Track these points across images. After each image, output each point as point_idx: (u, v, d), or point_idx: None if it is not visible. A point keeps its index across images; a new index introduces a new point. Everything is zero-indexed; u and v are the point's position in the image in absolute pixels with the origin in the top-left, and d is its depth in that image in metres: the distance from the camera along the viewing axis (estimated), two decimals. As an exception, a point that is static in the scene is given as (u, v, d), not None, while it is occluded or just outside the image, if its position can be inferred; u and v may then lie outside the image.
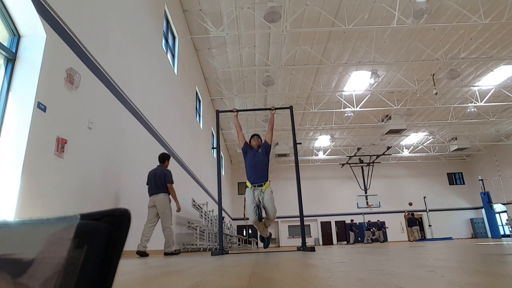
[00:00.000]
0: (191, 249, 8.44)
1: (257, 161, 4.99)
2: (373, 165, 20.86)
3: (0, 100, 3.03)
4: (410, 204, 18.85)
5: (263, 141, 5.16)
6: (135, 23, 5.90)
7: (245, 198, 5.04)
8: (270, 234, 5.29)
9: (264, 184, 4.86)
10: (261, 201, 4.79)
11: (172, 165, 7.98)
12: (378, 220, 20.67)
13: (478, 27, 10.63)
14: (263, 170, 4.97)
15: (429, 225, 19.13)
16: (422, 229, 22.14)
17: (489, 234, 18.47)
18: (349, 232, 20.43)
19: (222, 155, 18.60)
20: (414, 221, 17.81)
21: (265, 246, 5.30)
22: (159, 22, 7.40)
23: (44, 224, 0.32)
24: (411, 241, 16.74)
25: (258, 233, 5.28)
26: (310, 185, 23.47)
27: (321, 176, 24.80)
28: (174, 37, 9.13)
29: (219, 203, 5.88)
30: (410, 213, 18.64)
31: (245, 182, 5.02)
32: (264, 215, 4.83)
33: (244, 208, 4.99)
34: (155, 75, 6.94)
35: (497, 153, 20.93)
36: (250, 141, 5.14)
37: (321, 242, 23.43)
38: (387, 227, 21.94)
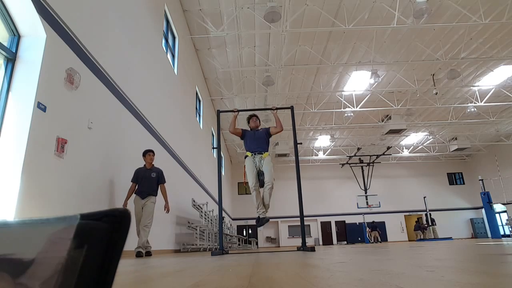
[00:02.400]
0: (191, 249, 8.44)
1: (257, 137, 5.11)
2: (373, 165, 20.85)
3: (0, 100, 3.03)
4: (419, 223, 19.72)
5: (262, 127, 5.31)
6: (135, 23, 5.90)
7: (244, 166, 5.08)
8: (267, 218, 5.17)
9: (264, 153, 4.95)
10: (260, 167, 4.87)
11: (172, 165, 7.98)
12: (373, 221, 20.74)
13: (478, 27, 10.63)
14: (263, 142, 5.09)
15: (429, 225, 19.13)
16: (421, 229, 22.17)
17: (489, 234, 18.47)
18: (369, 232, 20.37)
19: (222, 155, 18.60)
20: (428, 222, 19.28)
21: (258, 225, 5.24)
22: (159, 22, 7.40)
23: (44, 224, 0.32)
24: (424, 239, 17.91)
25: (256, 205, 5.11)
26: (310, 185, 23.46)
27: (321, 176, 24.80)
28: (174, 37, 9.13)
29: (219, 203, 5.88)
30: (419, 218, 20.18)
31: (245, 155, 5.09)
32: (264, 182, 4.90)
33: (245, 176, 5.05)
34: (155, 75, 6.94)
35: (497, 153, 20.92)
36: (248, 123, 5.25)
37: (321, 242, 23.43)
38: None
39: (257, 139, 5.12)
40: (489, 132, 19.29)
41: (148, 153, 5.22)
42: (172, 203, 7.74)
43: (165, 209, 5.27)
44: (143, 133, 5.99)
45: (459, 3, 9.54)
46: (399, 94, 14.91)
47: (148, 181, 5.08)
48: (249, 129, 5.43)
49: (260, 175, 4.88)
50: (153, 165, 5.21)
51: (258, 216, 5.13)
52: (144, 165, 5.20)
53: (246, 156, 5.12)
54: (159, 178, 5.21)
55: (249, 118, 5.35)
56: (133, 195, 5.01)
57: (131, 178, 5.45)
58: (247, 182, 4.99)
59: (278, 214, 22.55)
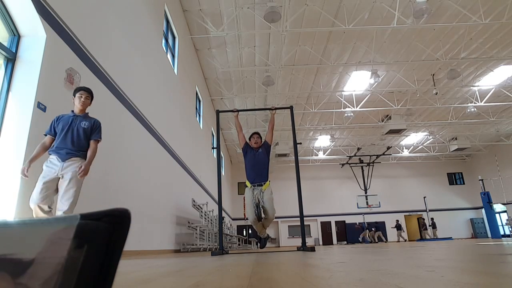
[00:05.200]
0: (191, 249, 8.44)
1: (257, 161, 4.99)
2: (373, 165, 20.86)
3: (0, 100, 3.03)
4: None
5: (263, 141, 5.16)
6: (135, 23, 5.90)
7: (244, 197, 5.04)
8: (268, 236, 5.29)
9: (264, 183, 4.86)
10: (260, 201, 4.79)
11: (172, 165, 7.98)
12: (376, 222, 20.82)
13: (478, 27, 10.63)
14: (263, 169, 4.97)
15: (429, 225, 19.15)
16: (422, 229, 22.19)
17: (489, 234, 18.48)
18: (371, 233, 20.46)
19: (222, 155, 18.60)
20: (400, 226, 20.05)
21: (262, 246, 5.30)
22: (159, 22, 7.40)
23: (44, 224, 0.32)
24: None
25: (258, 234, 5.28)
26: (310, 185, 23.45)
27: (321, 176, 24.79)
28: (174, 37, 9.13)
29: (219, 203, 5.88)
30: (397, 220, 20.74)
31: (245, 182, 5.02)
32: (263, 215, 4.83)
33: (244, 207, 5.00)
34: (155, 75, 6.94)
35: (497, 153, 20.91)
36: (250, 140, 5.14)
37: (321, 242, 23.42)
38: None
39: (257, 165, 4.95)
40: (489, 132, 19.29)
41: (79, 92, 3.09)
42: (172, 203, 7.76)
43: (79, 172, 2.92)
44: (143, 133, 5.98)
45: (459, 3, 9.54)
46: (399, 94, 14.90)
47: (73, 134, 3.01)
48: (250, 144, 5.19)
49: (259, 207, 4.83)
50: (87, 113, 3.19)
51: (260, 237, 5.17)
52: (72, 111, 3.11)
53: (246, 186, 5.03)
54: (92, 132, 3.13)
55: (251, 136, 5.22)
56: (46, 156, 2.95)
57: (130, 177, 5.41)
58: (247, 218, 4.97)
59: (278, 214, 22.47)
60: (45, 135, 2.95)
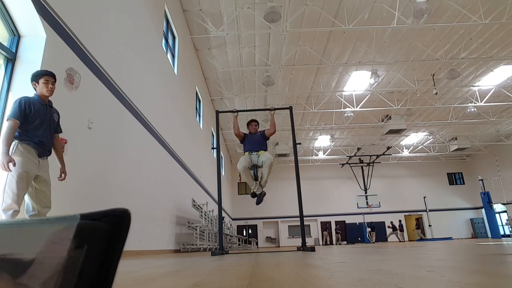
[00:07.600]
0: (191, 249, 8.44)
1: (255, 140, 5.17)
2: (373, 165, 20.84)
3: (0, 100, 3.03)
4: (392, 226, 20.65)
5: (259, 129, 5.39)
6: (135, 23, 5.90)
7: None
8: (264, 193, 5.22)
9: (261, 151, 5.02)
10: (258, 162, 4.91)
11: (172, 165, 7.98)
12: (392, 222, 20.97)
13: (478, 27, 10.63)
14: (260, 144, 5.15)
15: (429, 225, 19.14)
16: (422, 229, 22.21)
17: (489, 234, 18.47)
18: (370, 232, 20.58)
19: (222, 155, 18.59)
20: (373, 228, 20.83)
21: (257, 203, 5.21)
22: (159, 22, 7.40)
23: (44, 224, 0.32)
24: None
25: (251, 190, 5.17)
26: (310, 185, 23.44)
27: (321, 176, 24.78)
28: (174, 37, 9.13)
29: (219, 203, 5.88)
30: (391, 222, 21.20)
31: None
32: (260, 174, 4.94)
33: (240, 176, 5.06)
34: (155, 75, 6.94)
35: (497, 153, 20.91)
36: (247, 126, 5.34)
37: (321, 242, 23.42)
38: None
39: (254, 143, 5.22)
40: (489, 132, 19.29)
41: (45, 77, 2.68)
42: (172, 203, 7.76)
43: (60, 176, 2.87)
44: (143, 133, 5.98)
45: (459, 3, 9.53)
46: (399, 94, 14.90)
47: (50, 128, 2.73)
48: (248, 132, 5.55)
49: (255, 169, 4.92)
50: (50, 101, 2.80)
51: (254, 192, 5.07)
52: (38, 96, 2.68)
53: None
54: (57, 125, 2.88)
55: (248, 123, 5.46)
56: (16, 145, 2.52)
57: (131, 177, 5.41)
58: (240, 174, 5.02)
59: (278, 214, 22.57)
60: (15, 119, 2.45)
